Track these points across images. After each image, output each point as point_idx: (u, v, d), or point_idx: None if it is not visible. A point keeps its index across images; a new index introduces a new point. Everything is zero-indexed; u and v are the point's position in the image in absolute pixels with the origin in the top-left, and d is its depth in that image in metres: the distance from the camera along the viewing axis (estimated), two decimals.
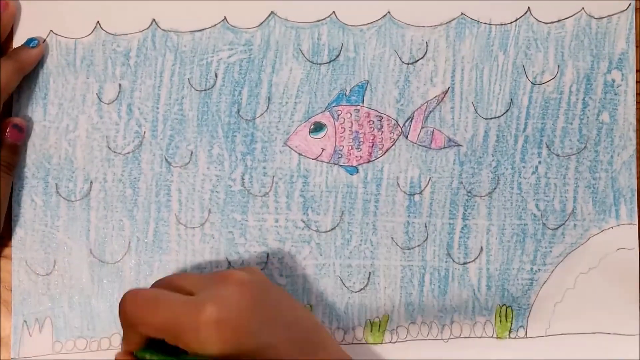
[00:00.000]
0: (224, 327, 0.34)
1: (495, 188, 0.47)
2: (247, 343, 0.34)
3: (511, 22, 0.46)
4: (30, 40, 0.44)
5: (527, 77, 0.47)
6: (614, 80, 0.47)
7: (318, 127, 0.46)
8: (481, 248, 0.47)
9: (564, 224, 0.47)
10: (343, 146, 0.46)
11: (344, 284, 0.46)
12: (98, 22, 0.45)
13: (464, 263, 0.47)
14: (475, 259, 0.47)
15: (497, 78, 0.46)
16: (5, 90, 0.42)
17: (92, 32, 0.45)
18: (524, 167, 0.47)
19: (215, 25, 0.46)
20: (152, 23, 0.45)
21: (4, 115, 0.44)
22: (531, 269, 0.47)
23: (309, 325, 0.38)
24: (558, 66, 0.47)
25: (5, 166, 0.43)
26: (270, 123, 0.46)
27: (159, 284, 0.39)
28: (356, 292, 0.46)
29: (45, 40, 0.45)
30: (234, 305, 0.35)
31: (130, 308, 0.36)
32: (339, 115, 0.46)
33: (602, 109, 0.47)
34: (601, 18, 0.47)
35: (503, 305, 0.47)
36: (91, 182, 0.45)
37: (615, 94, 0.47)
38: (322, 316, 0.46)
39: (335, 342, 0.40)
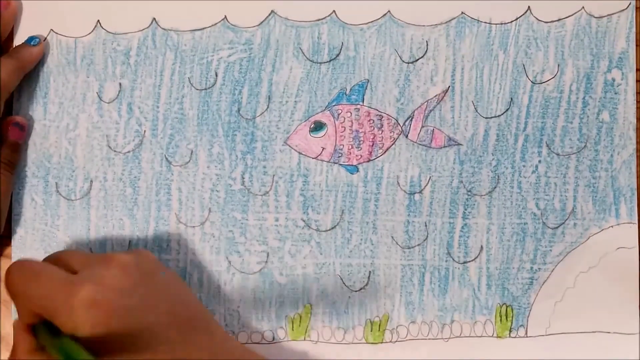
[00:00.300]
0: (97, 309, 0.33)
1: (495, 187, 0.47)
2: (121, 326, 0.33)
3: (511, 21, 0.46)
4: (31, 38, 0.44)
5: (527, 76, 0.47)
6: (614, 79, 0.47)
7: (318, 126, 0.46)
8: (481, 247, 0.47)
9: (564, 223, 0.47)
10: (343, 145, 0.46)
11: (344, 283, 0.46)
12: (98, 21, 0.45)
13: (464, 262, 0.47)
14: (476, 258, 0.47)
15: (497, 77, 0.46)
16: (6, 88, 0.42)
17: (92, 31, 0.45)
18: (524, 166, 0.47)
19: (216, 24, 0.46)
20: (152, 22, 0.45)
21: (4, 114, 0.44)
22: (531, 268, 0.47)
23: (194, 311, 0.38)
24: (558, 65, 0.47)
25: (6, 164, 0.43)
26: (271, 122, 0.46)
27: (48, 259, 0.38)
28: (356, 291, 0.46)
29: (46, 38, 0.45)
30: (112, 287, 0.34)
31: (13, 278, 0.35)
32: (339, 114, 0.46)
33: (602, 108, 0.47)
34: (601, 17, 0.47)
35: (503, 304, 0.47)
36: (91, 181, 0.45)
37: (615, 93, 0.47)
38: (322, 315, 0.46)
39: (223, 331, 0.40)
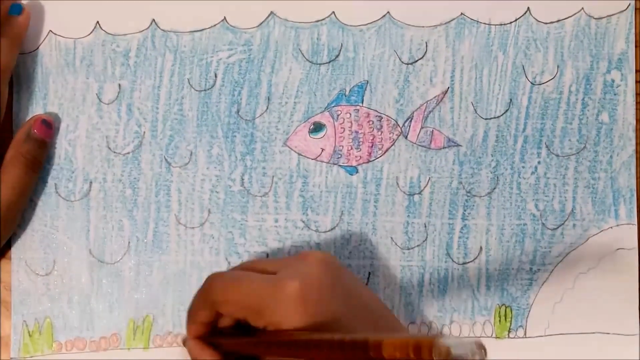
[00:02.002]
0: (307, 302, 0.34)
1: (494, 188, 0.47)
2: (327, 318, 0.34)
3: (511, 22, 0.46)
4: (13, 7, 0.42)
5: (526, 77, 0.47)
6: (613, 81, 0.47)
7: (317, 127, 0.46)
8: (480, 248, 0.47)
9: (563, 224, 0.47)
10: (342, 146, 0.46)
11: None
12: (97, 22, 0.45)
13: (464, 263, 0.47)
14: (475, 259, 0.47)
15: (497, 78, 0.46)
16: (7, 68, 0.42)
17: (91, 32, 0.45)
18: (523, 167, 0.47)
19: (215, 25, 0.45)
20: (151, 23, 0.45)
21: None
22: (530, 269, 0.47)
23: (381, 309, 0.39)
24: (557, 66, 0.47)
25: (31, 161, 0.43)
26: (270, 123, 0.46)
27: (239, 268, 0.40)
28: None
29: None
30: (316, 281, 0.35)
31: (215, 287, 0.37)
32: (338, 116, 0.46)
33: (601, 109, 0.47)
34: (601, 18, 0.47)
35: (502, 305, 0.47)
36: (91, 182, 0.45)
37: (615, 94, 0.47)
38: None
39: (405, 329, 0.41)
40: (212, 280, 0.37)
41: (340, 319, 0.35)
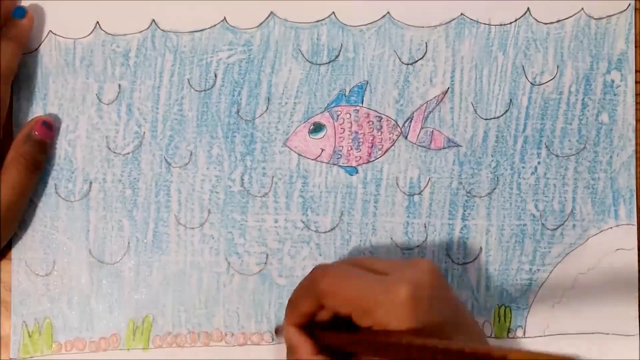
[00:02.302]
0: (417, 308, 0.35)
1: (494, 188, 0.47)
2: (433, 329, 0.35)
3: (511, 23, 0.46)
4: (17, 11, 0.43)
5: (526, 77, 0.47)
6: (613, 81, 0.47)
7: (317, 128, 0.46)
8: (480, 248, 0.47)
9: (563, 224, 0.47)
10: (342, 146, 0.46)
11: None
12: (97, 22, 0.45)
13: (463, 263, 0.47)
14: (475, 259, 0.47)
15: (497, 78, 0.46)
16: (10, 71, 0.42)
17: (91, 32, 0.45)
18: (523, 167, 0.47)
19: (215, 25, 0.45)
20: (151, 23, 0.45)
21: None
22: (530, 269, 0.47)
23: (476, 326, 0.40)
24: (557, 67, 0.47)
25: (31, 163, 0.43)
26: (270, 123, 0.46)
27: (345, 263, 0.40)
28: None
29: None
30: (428, 289, 0.36)
31: (324, 278, 0.37)
32: (338, 116, 0.46)
33: (601, 110, 0.47)
34: (600, 18, 0.47)
35: (502, 305, 0.47)
36: (91, 183, 0.45)
37: (615, 95, 0.47)
38: None
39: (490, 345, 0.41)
40: (321, 271, 0.37)
41: (444, 331, 0.35)
